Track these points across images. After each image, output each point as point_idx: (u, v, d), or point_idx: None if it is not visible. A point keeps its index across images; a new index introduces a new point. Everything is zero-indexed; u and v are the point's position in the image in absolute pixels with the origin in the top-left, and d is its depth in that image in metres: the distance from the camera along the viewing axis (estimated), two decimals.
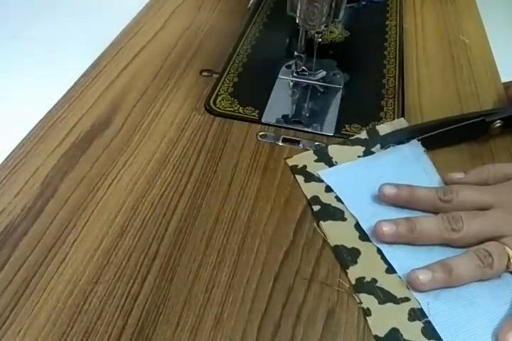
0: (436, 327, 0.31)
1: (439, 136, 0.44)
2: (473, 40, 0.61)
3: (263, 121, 0.48)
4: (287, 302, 0.33)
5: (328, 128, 0.47)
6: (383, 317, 0.32)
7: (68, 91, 0.51)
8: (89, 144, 0.45)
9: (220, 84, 0.52)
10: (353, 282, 0.34)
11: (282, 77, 0.54)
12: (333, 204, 0.39)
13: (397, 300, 0.33)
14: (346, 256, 0.36)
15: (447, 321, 0.32)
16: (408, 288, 0.33)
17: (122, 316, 0.32)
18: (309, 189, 0.41)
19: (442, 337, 0.31)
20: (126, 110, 0.49)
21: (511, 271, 0.34)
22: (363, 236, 0.37)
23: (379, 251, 0.36)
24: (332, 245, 0.37)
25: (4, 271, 0.35)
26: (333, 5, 0.45)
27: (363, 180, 0.41)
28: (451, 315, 0.32)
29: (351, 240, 0.37)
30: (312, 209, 0.39)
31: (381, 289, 0.34)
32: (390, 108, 0.50)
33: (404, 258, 0.35)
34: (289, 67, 0.54)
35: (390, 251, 0.36)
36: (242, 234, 0.38)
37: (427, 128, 0.44)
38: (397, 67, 0.56)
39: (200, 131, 0.47)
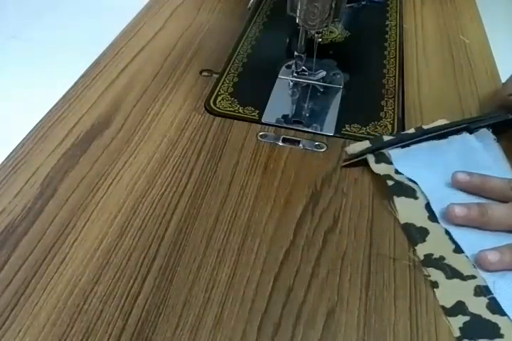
0: (501, 303, 0.33)
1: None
2: (473, 40, 0.61)
3: (263, 121, 0.48)
4: (287, 302, 0.33)
5: (328, 128, 0.47)
6: (450, 291, 0.34)
7: (68, 92, 0.51)
8: (89, 144, 0.45)
9: (220, 84, 0.52)
10: (422, 258, 0.36)
11: (282, 77, 0.54)
12: (405, 182, 0.41)
13: (463, 277, 0.35)
14: (415, 234, 0.37)
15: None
16: (475, 267, 0.35)
17: (122, 316, 0.32)
18: (380, 169, 0.42)
19: (507, 312, 0.32)
20: (126, 110, 0.49)
21: None
22: (432, 217, 0.38)
23: (447, 233, 0.37)
24: (401, 223, 0.38)
25: (4, 271, 0.35)
26: (333, 5, 0.45)
27: (432, 164, 0.43)
28: None
29: (421, 219, 0.38)
30: (387, 183, 0.41)
31: (449, 266, 0.35)
32: (390, 108, 0.50)
33: (472, 240, 0.37)
34: (289, 67, 0.54)
35: (458, 233, 0.37)
36: (242, 234, 0.38)
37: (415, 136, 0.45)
38: (397, 67, 0.56)
39: (200, 131, 0.47)
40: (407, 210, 0.39)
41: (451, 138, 0.44)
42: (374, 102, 0.51)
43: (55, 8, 2.06)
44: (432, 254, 0.36)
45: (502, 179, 0.40)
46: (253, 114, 0.48)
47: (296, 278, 0.35)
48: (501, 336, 0.31)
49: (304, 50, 0.50)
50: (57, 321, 0.32)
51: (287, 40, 0.61)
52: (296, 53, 0.51)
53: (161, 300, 0.33)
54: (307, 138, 0.46)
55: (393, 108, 0.50)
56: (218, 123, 0.47)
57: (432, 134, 0.44)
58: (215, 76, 0.54)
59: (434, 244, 0.37)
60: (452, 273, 0.35)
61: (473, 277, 0.34)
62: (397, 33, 0.62)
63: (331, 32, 0.61)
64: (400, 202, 0.39)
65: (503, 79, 0.55)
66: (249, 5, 0.66)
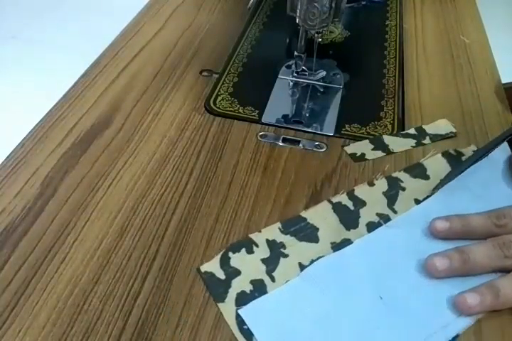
0: None
1: None
2: (473, 40, 0.61)
3: (263, 121, 0.48)
4: None
5: (328, 128, 0.47)
6: None
7: (68, 91, 0.51)
8: (89, 144, 0.45)
9: (220, 84, 0.52)
10: None
11: (282, 77, 0.54)
12: None
13: None
14: None
15: None
16: None
17: (122, 316, 0.32)
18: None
19: None
20: (126, 110, 0.49)
21: None
22: None
23: None
24: None
25: (4, 271, 0.35)
26: (333, 5, 0.45)
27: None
28: None
29: None
30: None
31: None
32: (390, 108, 0.50)
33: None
34: (289, 67, 0.54)
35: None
36: (242, 234, 0.37)
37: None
38: (397, 67, 0.56)
39: (200, 131, 0.47)
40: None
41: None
42: (374, 102, 0.51)
43: (55, 8, 2.06)
44: None
45: (482, 215, 0.36)
46: (253, 114, 0.48)
47: None
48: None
49: (303, 50, 0.50)
50: (57, 321, 0.32)
51: (287, 40, 0.61)
52: (296, 53, 0.51)
53: (161, 300, 0.33)
54: (307, 138, 0.46)
55: (393, 108, 0.50)
56: (218, 123, 0.47)
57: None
58: (215, 76, 0.54)
59: None
60: None
61: None
62: (397, 33, 0.62)
63: (331, 32, 0.61)
64: None
65: (503, 79, 0.55)
66: (249, 5, 0.66)
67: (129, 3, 1.09)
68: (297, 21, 0.47)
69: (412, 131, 0.47)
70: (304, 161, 0.44)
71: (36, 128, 0.46)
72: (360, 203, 0.40)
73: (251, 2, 0.66)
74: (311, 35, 0.49)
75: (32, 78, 1.64)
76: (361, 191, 0.41)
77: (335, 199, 0.40)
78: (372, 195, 0.40)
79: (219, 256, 0.36)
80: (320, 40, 0.50)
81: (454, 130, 0.47)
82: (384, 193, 0.41)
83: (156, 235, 0.37)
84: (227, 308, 0.32)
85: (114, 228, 0.38)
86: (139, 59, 0.56)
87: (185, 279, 0.34)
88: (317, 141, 0.46)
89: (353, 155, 0.44)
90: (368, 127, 0.47)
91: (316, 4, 0.44)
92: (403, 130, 0.47)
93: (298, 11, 0.46)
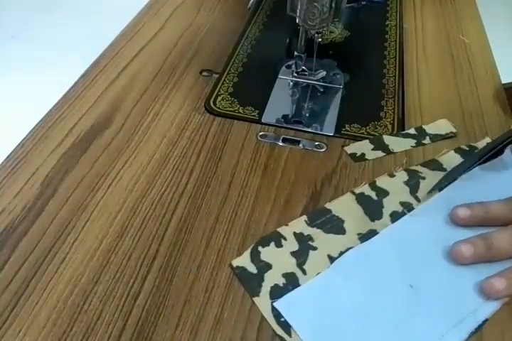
0: None
1: None
2: (473, 40, 0.61)
3: (263, 121, 0.48)
4: None
5: (328, 128, 0.47)
6: None
7: (68, 92, 0.51)
8: (89, 144, 0.45)
9: (220, 84, 0.52)
10: None
11: (282, 77, 0.54)
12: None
13: None
14: None
15: None
16: None
17: (122, 316, 0.32)
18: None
19: None
20: (126, 110, 0.49)
21: None
22: None
23: None
24: None
25: (4, 271, 0.35)
26: (333, 5, 0.45)
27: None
28: None
29: None
30: None
31: None
32: (390, 108, 0.50)
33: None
34: (289, 67, 0.54)
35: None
36: (242, 234, 0.37)
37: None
38: (397, 67, 0.56)
39: (200, 131, 0.47)
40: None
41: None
42: (374, 102, 0.51)
43: (55, 8, 2.06)
44: None
45: (501, 202, 0.37)
46: (253, 113, 0.48)
47: None
48: None
49: (303, 50, 0.50)
50: (57, 321, 0.32)
51: (287, 40, 0.61)
52: (296, 53, 0.51)
53: (161, 300, 0.33)
54: (307, 138, 0.46)
55: (393, 108, 0.50)
56: (218, 123, 0.47)
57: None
58: (215, 76, 0.54)
59: None
60: None
61: None
62: (397, 33, 0.62)
63: (331, 32, 0.61)
64: None
65: (503, 79, 0.55)
66: (249, 5, 0.66)
67: (129, 3, 1.09)
68: (297, 21, 0.47)
69: (412, 131, 0.47)
70: (304, 161, 0.44)
71: (36, 128, 0.46)
72: (382, 193, 0.41)
73: (251, 2, 0.66)
74: (311, 35, 0.49)
75: (32, 78, 1.64)
76: (382, 182, 0.42)
77: (357, 190, 0.41)
78: (394, 184, 0.41)
79: (249, 250, 0.36)
80: (320, 40, 0.50)
81: (454, 130, 0.47)
82: (405, 182, 0.41)
83: (156, 235, 0.37)
84: (263, 302, 0.33)
85: (114, 228, 0.38)
86: (139, 59, 0.56)
87: (185, 279, 0.34)
88: (317, 141, 0.46)
89: (353, 155, 0.44)
90: (368, 127, 0.47)
91: (316, 4, 0.44)
92: (403, 130, 0.47)
93: (298, 11, 0.45)
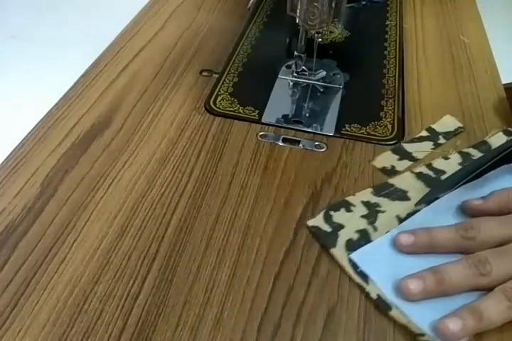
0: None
1: None
2: (473, 40, 0.61)
3: (263, 121, 0.48)
4: (287, 302, 0.33)
5: (328, 128, 0.47)
6: None
7: (68, 92, 0.51)
8: (89, 144, 0.45)
9: (220, 84, 0.52)
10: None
11: (282, 77, 0.54)
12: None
13: None
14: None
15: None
16: None
17: (122, 316, 0.32)
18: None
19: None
20: (126, 110, 0.49)
21: None
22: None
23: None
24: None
25: (4, 271, 0.35)
26: (333, 5, 0.45)
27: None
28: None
29: None
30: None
31: None
32: (390, 108, 0.50)
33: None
34: (289, 67, 0.54)
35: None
36: (242, 234, 0.38)
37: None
38: (397, 67, 0.56)
39: (200, 131, 0.47)
40: None
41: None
42: (374, 102, 0.51)
43: (55, 8, 2.06)
44: None
45: (449, 228, 0.35)
46: (253, 114, 0.48)
47: (296, 278, 0.35)
48: None
49: (303, 50, 0.50)
50: (57, 321, 0.32)
51: (287, 40, 0.61)
52: (296, 53, 0.51)
53: (161, 300, 0.33)
54: (307, 138, 0.46)
55: (393, 108, 0.50)
56: (218, 123, 0.47)
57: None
58: (215, 76, 0.54)
59: None
60: None
61: None
62: (397, 33, 0.62)
63: (331, 32, 0.61)
64: None
65: (503, 79, 0.55)
66: (249, 5, 0.66)
67: (129, 3, 1.09)
68: (297, 21, 0.47)
69: (424, 133, 0.47)
70: (304, 161, 0.44)
71: (36, 128, 0.46)
72: (440, 172, 0.43)
73: (251, 2, 0.66)
74: (311, 35, 0.49)
75: (32, 78, 1.64)
76: (438, 163, 0.43)
77: (416, 170, 0.43)
78: (450, 165, 0.43)
79: (321, 214, 0.39)
80: (320, 40, 0.50)
81: (461, 125, 0.47)
82: (460, 164, 0.43)
83: (156, 235, 0.37)
84: (339, 253, 0.36)
85: (114, 228, 0.38)
86: (139, 59, 0.56)
87: (185, 279, 0.34)
88: (317, 141, 0.46)
89: (384, 170, 0.43)
90: (368, 127, 0.47)
91: (316, 4, 0.44)
92: (403, 130, 0.47)
93: (298, 11, 0.45)
